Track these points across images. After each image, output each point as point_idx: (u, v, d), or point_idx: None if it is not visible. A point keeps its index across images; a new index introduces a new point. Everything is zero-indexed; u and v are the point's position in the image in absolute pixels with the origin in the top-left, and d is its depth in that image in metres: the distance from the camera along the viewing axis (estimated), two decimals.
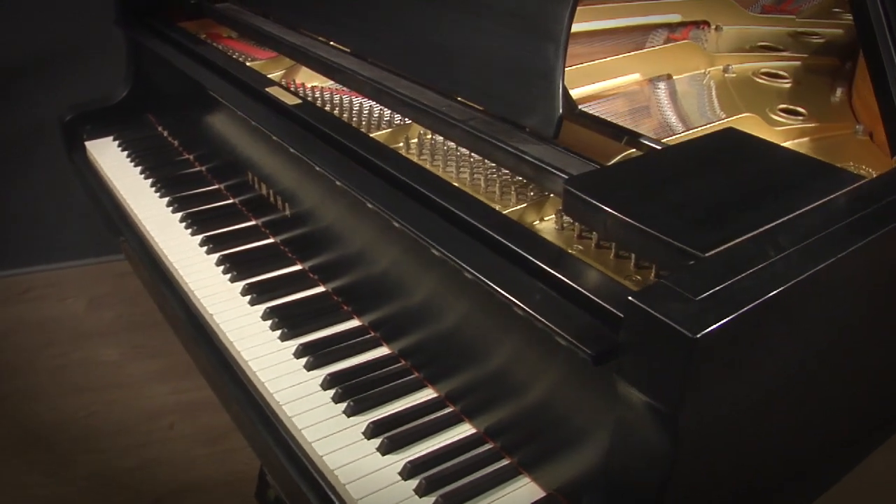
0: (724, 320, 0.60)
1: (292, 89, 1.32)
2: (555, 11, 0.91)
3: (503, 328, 0.86)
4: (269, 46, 1.52)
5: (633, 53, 1.34)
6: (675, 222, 0.72)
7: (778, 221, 0.73)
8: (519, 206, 0.95)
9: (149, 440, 2.01)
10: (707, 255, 0.68)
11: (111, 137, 1.72)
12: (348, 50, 1.32)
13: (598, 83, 1.25)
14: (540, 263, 0.78)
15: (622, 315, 0.67)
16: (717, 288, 0.63)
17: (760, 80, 1.37)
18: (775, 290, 0.64)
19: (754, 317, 0.63)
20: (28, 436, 2.02)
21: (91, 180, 1.64)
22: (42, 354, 2.29)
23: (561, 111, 0.91)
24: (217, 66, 1.40)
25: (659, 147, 0.95)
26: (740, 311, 0.61)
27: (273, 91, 1.26)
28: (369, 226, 1.06)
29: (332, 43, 1.40)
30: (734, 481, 0.76)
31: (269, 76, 1.38)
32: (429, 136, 1.19)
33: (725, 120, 1.13)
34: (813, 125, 1.21)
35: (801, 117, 1.23)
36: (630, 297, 0.62)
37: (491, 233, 0.84)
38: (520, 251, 0.80)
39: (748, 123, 1.15)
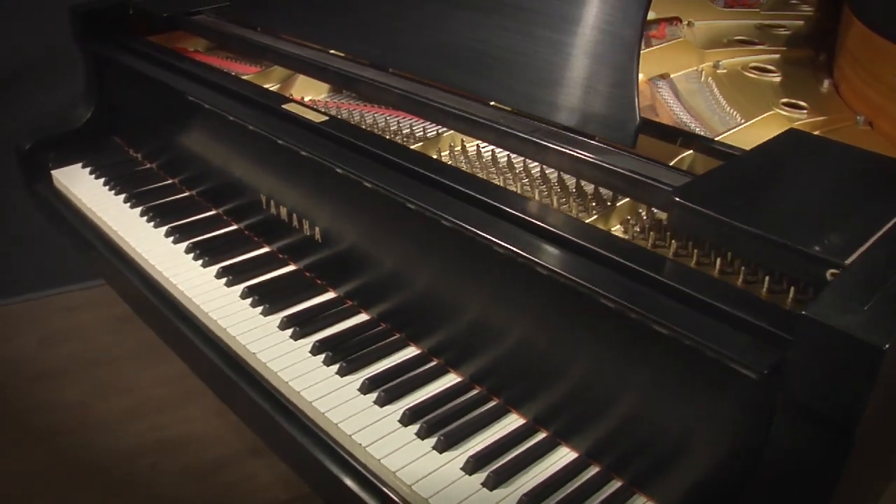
0: None
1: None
2: (627, 17, 0.89)
3: (599, 343, 0.83)
4: (268, 58, 1.43)
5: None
6: (798, 232, 0.71)
7: (893, 221, 0.74)
8: (590, 219, 0.92)
9: (131, 482, 1.88)
10: (847, 262, 0.67)
11: (80, 164, 1.59)
12: (354, 59, 1.26)
13: None
14: (682, 287, 0.75)
15: (780, 330, 0.66)
16: (879, 295, 0.63)
17: (751, 75, 1.39)
18: None
19: None
20: None
21: (63, 212, 1.51)
22: None
23: (639, 120, 0.89)
24: (234, 90, 1.30)
25: (735, 152, 0.94)
26: None
27: (291, 108, 1.19)
28: (417, 243, 1.01)
29: (331, 52, 1.34)
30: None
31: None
32: (458, 149, 1.14)
33: (758, 118, 1.14)
34: (821, 118, 1.24)
35: (805, 111, 1.26)
36: (805, 313, 0.61)
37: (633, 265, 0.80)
38: (655, 275, 0.77)
39: (775, 120, 1.16)
